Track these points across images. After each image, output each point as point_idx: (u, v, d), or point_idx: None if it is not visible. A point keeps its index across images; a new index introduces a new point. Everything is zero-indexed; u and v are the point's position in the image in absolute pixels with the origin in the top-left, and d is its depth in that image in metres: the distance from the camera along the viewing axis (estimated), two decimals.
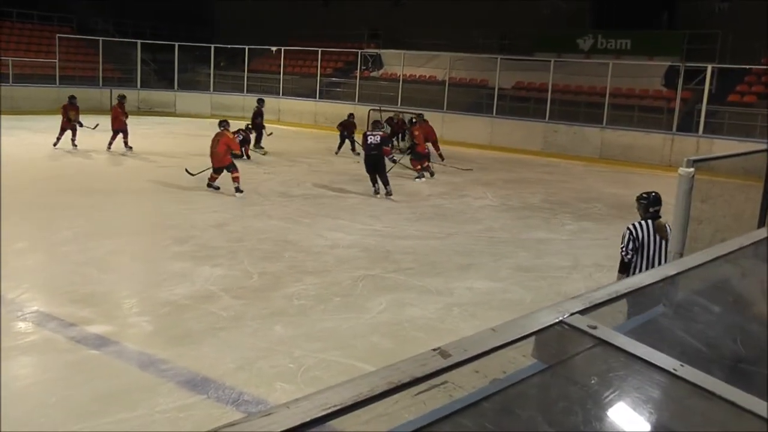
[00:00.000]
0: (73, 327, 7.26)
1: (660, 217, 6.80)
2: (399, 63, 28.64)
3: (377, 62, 31.08)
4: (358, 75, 29.50)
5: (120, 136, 19.03)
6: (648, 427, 1.56)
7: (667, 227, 6.57)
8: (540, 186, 17.48)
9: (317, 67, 30.17)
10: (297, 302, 8.22)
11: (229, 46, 31.92)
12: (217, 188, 14.58)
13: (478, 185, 17.04)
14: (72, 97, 19.80)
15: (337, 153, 21.24)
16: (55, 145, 18.66)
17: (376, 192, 14.89)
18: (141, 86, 31.12)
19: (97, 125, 19.10)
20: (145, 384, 6.10)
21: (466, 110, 26.15)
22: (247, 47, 31.19)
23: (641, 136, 22.31)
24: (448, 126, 25.09)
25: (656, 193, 6.95)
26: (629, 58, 25.31)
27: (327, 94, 29.88)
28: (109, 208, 12.47)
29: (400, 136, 22.43)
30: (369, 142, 15.01)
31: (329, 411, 1.19)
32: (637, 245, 6.75)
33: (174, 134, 24.31)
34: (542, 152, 23.56)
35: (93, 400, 5.74)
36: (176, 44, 31.24)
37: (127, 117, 19.42)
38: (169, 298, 8.20)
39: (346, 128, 21.48)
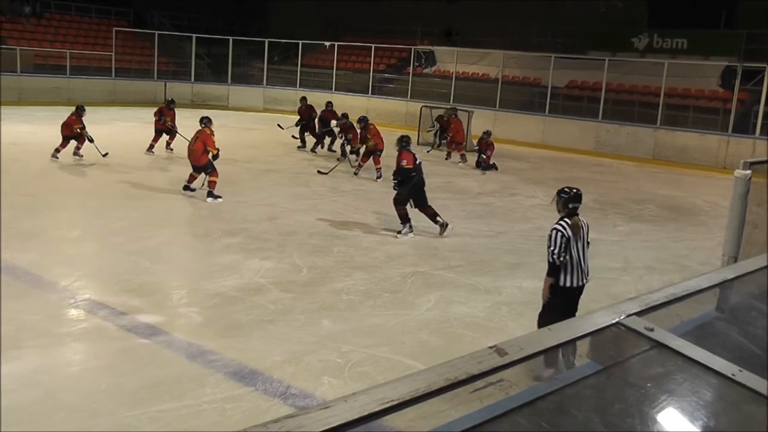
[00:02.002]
0: (123, 315, 7.38)
1: (578, 214, 6.51)
2: (452, 60, 28.54)
3: (430, 59, 31.00)
4: (410, 72, 29.45)
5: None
6: None
7: (582, 225, 6.47)
8: (591, 186, 17.26)
9: (370, 63, 30.19)
10: (345, 297, 8.26)
11: (282, 40, 32.10)
12: (193, 190, 13.36)
13: (529, 184, 16.93)
14: (171, 102, 18.67)
15: (312, 150, 19.66)
16: (150, 149, 17.80)
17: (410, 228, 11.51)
18: (195, 80, 31.43)
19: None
20: (194, 374, 6.18)
21: (519, 108, 25.98)
22: (300, 42, 31.34)
23: (696, 137, 21.94)
24: (499, 124, 24.96)
25: (578, 189, 6.62)
26: (685, 58, 24.92)
27: (379, 91, 29.86)
28: (163, 200, 12.63)
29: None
30: (420, 161, 11.64)
31: (386, 406, 1.20)
32: (568, 245, 6.40)
33: (226, 128, 24.46)
34: (594, 152, 23.31)
35: (142, 388, 5.83)
36: (230, 38, 31.49)
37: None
38: (218, 289, 8.29)
39: (343, 131, 18.63)
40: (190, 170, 13.18)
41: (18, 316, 7.19)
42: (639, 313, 1.80)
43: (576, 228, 6.38)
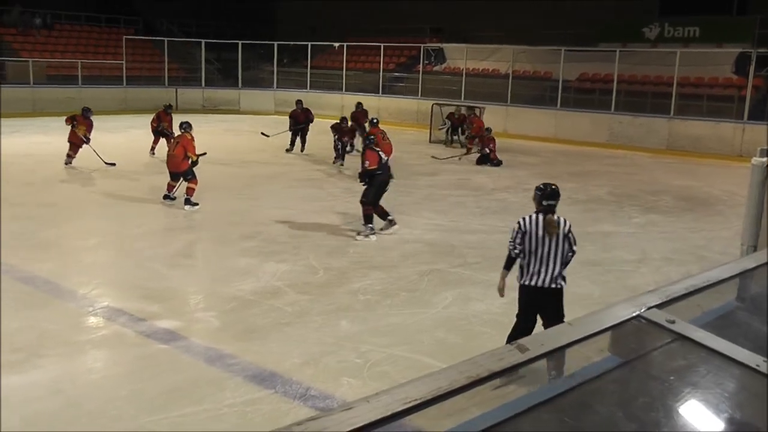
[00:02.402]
0: (142, 322, 7.42)
1: (554, 212, 6.19)
2: (462, 57, 28.49)
3: (440, 56, 30.95)
4: (420, 70, 29.42)
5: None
6: (731, 424, 1.52)
7: (560, 224, 6.12)
8: (606, 178, 17.24)
9: (380, 62, 30.18)
10: (362, 297, 8.26)
11: (291, 43, 32.16)
12: (173, 199, 12.87)
13: (543, 179, 16.61)
14: (168, 107, 18.87)
15: (335, 162, 18.09)
16: (152, 151, 18.18)
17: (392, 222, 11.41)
18: (205, 85, 31.53)
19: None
20: (213, 378, 6.20)
21: (530, 103, 25.89)
22: (309, 44, 31.37)
23: (711, 125, 21.80)
24: (511, 119, 24.93)
25: (555, 186, 6.35)
26: (697, 46, 24.79)
27: (390, 90, 29.84)
28: (178, 207, 12.66)
29: (460, 130, 22.47)
30: (385, 159, 11.37)
31: (409, 405, 1.19)
32: (525, 240, 6.13)
33: (237, 131, 24.57)
34: (608, 144, 23.19)
35: (162, 394, 5.87)
36: (239, 43, 31.56)
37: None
38: (235, 293, 8.31)
39: (338, 133, 18.41)
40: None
41: (39, 325, 7.25)
42: (659, 306, 1.78)
43: (550, 226, 6.08)
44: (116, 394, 5.92)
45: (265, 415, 5.52)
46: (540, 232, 6.08)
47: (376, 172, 11.00)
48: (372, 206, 10.99)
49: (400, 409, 1.18)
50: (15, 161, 16.50)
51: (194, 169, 12.75)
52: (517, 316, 6.38)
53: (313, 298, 8.16)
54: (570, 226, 6.18)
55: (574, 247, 6.21)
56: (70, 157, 16.36)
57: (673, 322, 1.70)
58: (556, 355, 1.45)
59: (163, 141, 17.53)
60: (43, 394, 5.81)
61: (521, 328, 6.24)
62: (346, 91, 30.12)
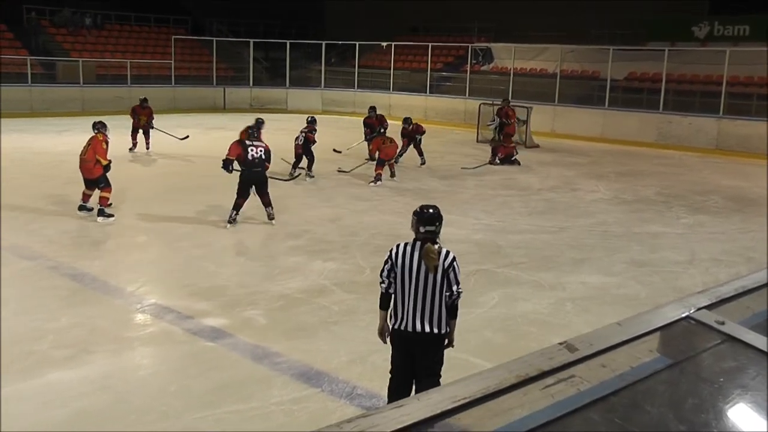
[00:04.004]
0: (190, 319, 7.52)
1: (435, 241, 5.11)
2: (509, 56, 28.32)
3: (488, 56, 30.80)
4: (468, 69, 29.31)
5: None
6: None
7: (441, 256, 5.03)
8: (654, 178, 17.03)
9: (427, 61, 30.14)
10: None
11: (339, 42, 32.27)
12: (90, 210, 11.64)
13: (591, 178, 16.73)
14: (144, 100, 18.96)
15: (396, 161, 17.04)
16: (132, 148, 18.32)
17: (232, 221, 11.35)
18: (253, 84, 31.78)
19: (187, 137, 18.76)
20: (260, 376, 6.27)
21: (578, 102, 25.66)
22: (357, 43, 31.46)
23: (760, 125, 21.34)
24: (559, 119, 24.75)
25: (435, 208, 5.23)
26: (748, 45, 24.33)
27: (437, 89, 29.77)
28: (225, 203, 12.77)
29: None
30: (251, 156, 11.16)
31: (459, 403, 1.21)
32: (395, 271, 5.08)
33: (285, 131, 24.67)
34: (656, 144, 22.88)
35: (210, 391, 5.94)
36: (287, 42, 31.76)
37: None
38: (282, 291, 8.39)
39: (413, 134, 17.92)
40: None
41: (88, 321, 7.39)
42: (709, 307, 1.78)
43: (427, 257, 4.99)
44: (164, 391, 6.02)
45: (312, 413, 5.57)
46: (414, 265, 5.02)
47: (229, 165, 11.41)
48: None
49: (449, 407, 1.19)
50: (65, 159, 16.78)
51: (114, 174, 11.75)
52: (391, 371, 5.32)
53: (360, 296, 8.20)
54: (454, 259, 5.07)
55: (457, 287, 5.06)
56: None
57: (722, 323, 1.69)
58: (605, 355, 1.45)
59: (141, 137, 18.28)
60: (93, 389, 5.94)
61: (395, 385, 5.24)
62: (393, 90, 30.13)
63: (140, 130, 18.35)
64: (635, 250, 10.58)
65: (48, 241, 10.31)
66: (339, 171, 16.38)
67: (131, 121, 18.50)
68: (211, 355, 6.75)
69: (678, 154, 21.55)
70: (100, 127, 11.75)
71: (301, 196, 13.80)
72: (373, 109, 19.76)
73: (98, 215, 11.40)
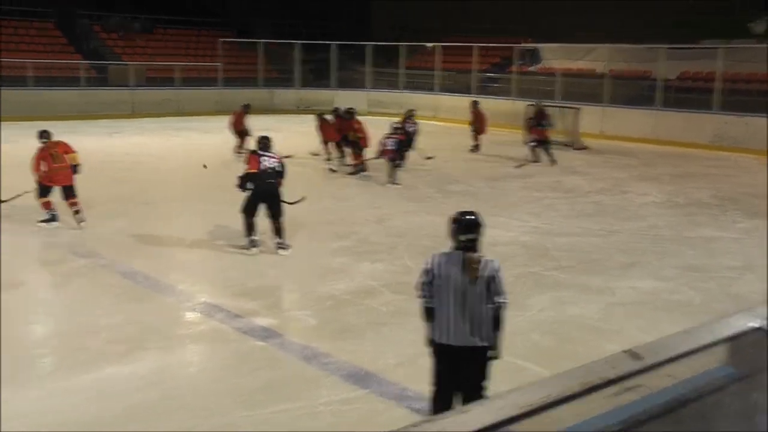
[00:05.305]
0: (239, 318, 7.58)
1: (475, 249, 4.92)
2: (556, 57, 28.08)
3: (534, 56, 30.55)
4: (514, 70, 29.12)
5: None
6: None
7: (483, 264, 4.86)
8: (708, 181, 16.72)
9: (473, 62, 30.00)
10: None
11: (384, 43, 32.29)
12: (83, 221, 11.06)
13: (641, 181, 16.47)
14: (246, 106, 19.36)
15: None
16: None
17: (255, 243, 10.05)
18: (299, 86, 31.93)
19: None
20: (309, 376, 6.29)
21: (627, 103, 25.28)
22: (402, 44, 31.43)
23: None
24: (608, 120, 24.41)
25: (474, 214, 5.10)
26: None
27: (483, 90, 29.60)
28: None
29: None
30: (264, 166, 9.94)
31: (524, 410, 1.18)
32: (435, 282, 4.88)
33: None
34: (710, 145, 22.34)
35: (259, 390, 6.00)
36: (333, 43, 31.87)
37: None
38: (330, 292, 8.40)
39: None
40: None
41: (140, 318, 7.50)
42: None
43: (470, 267, 4.82)
44: (214, 388, 6.10)
45: (361, 414, 5.58)
46: (455, 275, 4.83)
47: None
48: (244, 213, 10.02)
49: (514, 413, 1.17)
50: (115, 160, 17.10)
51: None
52: (433, 383, 5.08)
53: (408, 298, 8.12)
54: (498, 268, 4.91)
55: (500, 298, 4.87)
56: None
57: None
58: (672, 364, 1.40)
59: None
60: (144, 384, 6.03)
61: (439, 399, 5.03)
62: (439, 91, 30.06)
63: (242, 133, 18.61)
64: (688, 254, 10.38)
65: (102, 239, 10.52)
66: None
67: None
68: (261, 354, 6.80)
69: (733, 156, 21.04)
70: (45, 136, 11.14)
71: (347, 198, 13.81)
72: (475, 103, 21.03)
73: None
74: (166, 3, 32.67)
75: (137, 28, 32.09)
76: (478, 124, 20.93)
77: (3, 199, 11.36)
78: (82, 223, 10.99)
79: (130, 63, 28.80)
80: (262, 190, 9.81)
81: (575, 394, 1.25)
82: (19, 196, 11.19)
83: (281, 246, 9.97)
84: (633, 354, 1.38)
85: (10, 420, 5.21)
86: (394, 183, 14.96)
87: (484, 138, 20.71)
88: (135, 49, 31.05)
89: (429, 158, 17.50)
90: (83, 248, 10.13)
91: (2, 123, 19.56)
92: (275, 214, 9.90)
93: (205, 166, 15.27)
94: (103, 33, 31.44)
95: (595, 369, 1.32)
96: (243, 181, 9.89)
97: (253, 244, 9.94)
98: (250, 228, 9.94)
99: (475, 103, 21.65)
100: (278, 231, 9.97)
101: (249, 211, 9.91)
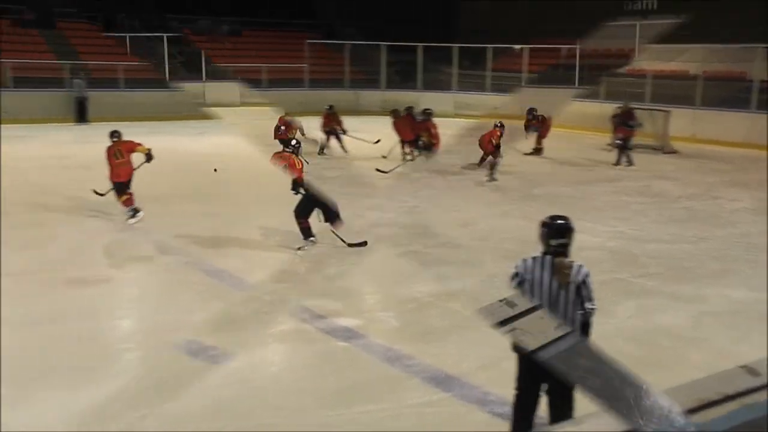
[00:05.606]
0: (322, 319, 7.60)
1: (566, 254, 4.79)
2: (647, 58, 27.47)
3: None
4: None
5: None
6: None
7: (574, 270, 4.71)
8: None
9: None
10: None
11: (471, 45, 32.13)
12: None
13: (734, 187, 15.96)
14: (330, 107, 20.17)
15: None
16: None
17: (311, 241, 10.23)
18: (385, 87, 32.01)
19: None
20: (392, 377, 6.29)
21: (721, 106, 24.49)
22: (489, 46, 31.22)
23: None
24: (699, 123, 23.69)
25: (566, 219, 4.93)
26: None
27: None
28: (354, 205, 12.85)
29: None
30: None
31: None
32: (524, 287, 4.80)
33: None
34: None
35: (342, 390, 6.02)
36: (419, 45, 31.86)
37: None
38: (413, 294, 8.38)
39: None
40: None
41: (223, 316, 7.58)
42: None
43: (561, 272, 4.70)
44: (297, 387, 6.17)
45: (444, 417, 5.55)
46: (544, 280, 4.75)
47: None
48: (299, 217, 10.16)
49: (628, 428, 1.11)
50: (202, 160, 17.41)
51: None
52: (516, 387, 5.00)
53: (491, 301, 8.08)
54: (587, 274, 4.75)
55: (590, 305, 4.74)
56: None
57: None
58: None
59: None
60: (227, 382, 6.08)
61: (522, 405, 4.95)
62: None
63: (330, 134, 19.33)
64: None
65: (186, 237, 10.69)
66: (377, 170, 16.20)
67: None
68: (344, 354, 6.82)
69: None
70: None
71: (432, 199, 13.76)
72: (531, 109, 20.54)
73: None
74: (254, 5, 33.19)
75: (225, 31, 32.73)
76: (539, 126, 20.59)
77: (100, 192, 11.86)
78: (130, 221, 11.31)
79: (219, 65, 29.37)
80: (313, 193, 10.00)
81: (692, 409, 1.18)
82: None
83: (348, 244, 10.13)
84: (750, 370, 1.30)
85: (95, 413, 5.32)
86: (491, 179, 15.39)
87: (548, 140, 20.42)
88: (223, 51, 31.69)
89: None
90: (169, 246, 10.34)
91: (94, 124, 20.21)
92: (329, 219, 10.08)
93: (215, 170, 15.75)
94: (192, 36, 32.13)
95: (710, 384, 1.25)
96: (295, 185, 10.17)
97: (309, 242, 10.14)
98: (307, 232, 10.14)
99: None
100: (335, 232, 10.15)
101: (306, 213, 10.11)
